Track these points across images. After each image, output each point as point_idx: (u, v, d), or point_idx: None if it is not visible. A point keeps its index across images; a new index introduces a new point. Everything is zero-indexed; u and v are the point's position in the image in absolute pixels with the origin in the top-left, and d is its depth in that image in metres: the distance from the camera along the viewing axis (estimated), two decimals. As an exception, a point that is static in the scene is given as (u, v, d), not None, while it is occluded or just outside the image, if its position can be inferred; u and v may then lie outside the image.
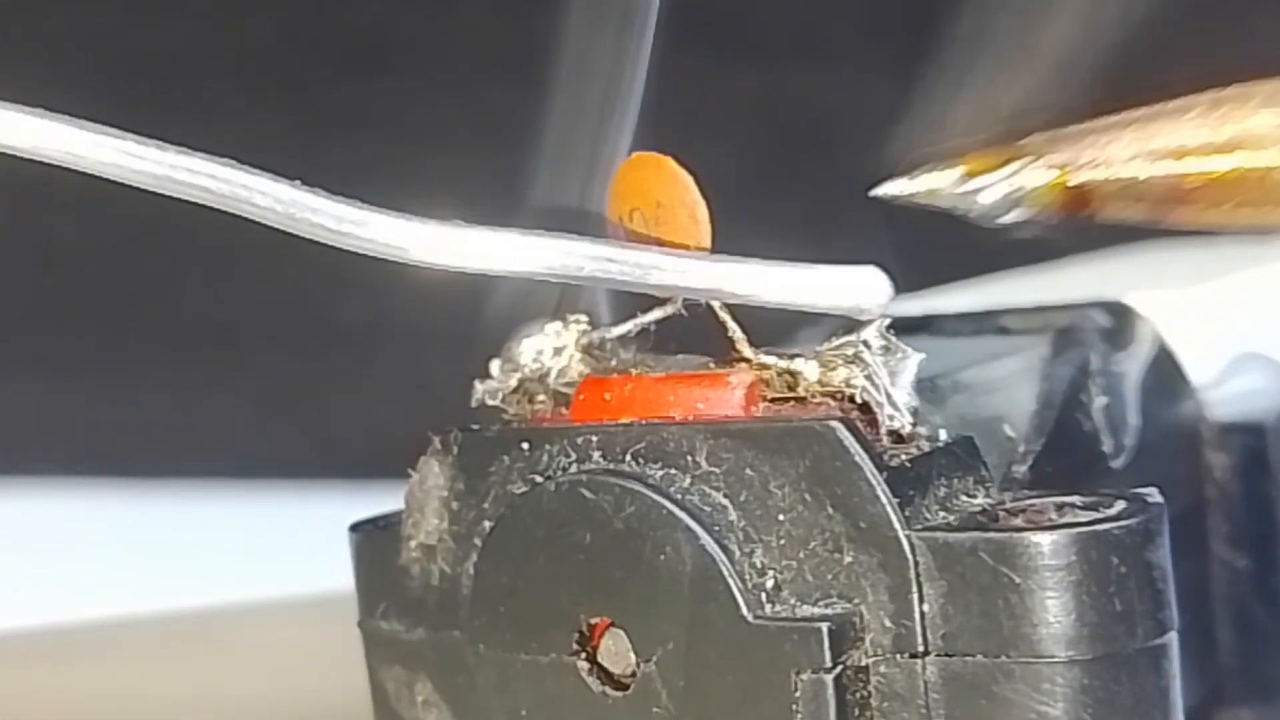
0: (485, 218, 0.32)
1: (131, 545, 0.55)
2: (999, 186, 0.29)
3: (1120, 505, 0.27)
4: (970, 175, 0.29)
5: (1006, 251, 0.43)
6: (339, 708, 0.34)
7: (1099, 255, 0.43)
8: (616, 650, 0.29)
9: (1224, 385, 0.37)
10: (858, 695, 0.27)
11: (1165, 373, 0.36)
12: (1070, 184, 0.29)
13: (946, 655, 0.27)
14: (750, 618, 0.27)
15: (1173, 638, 0.27)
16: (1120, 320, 0.36)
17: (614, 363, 0.32)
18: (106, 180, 0.29)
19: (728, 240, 0.31)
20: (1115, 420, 0.33)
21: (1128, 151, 0.28)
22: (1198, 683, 0.36)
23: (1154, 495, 0.28)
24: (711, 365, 0.30)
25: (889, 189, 0.30)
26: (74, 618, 0.47)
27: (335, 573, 0.34)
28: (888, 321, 0.29)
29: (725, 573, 0.28)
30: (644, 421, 0.29)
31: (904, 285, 0.41)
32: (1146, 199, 0.28)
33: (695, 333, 0.31)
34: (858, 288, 0.28)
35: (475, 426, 0.32)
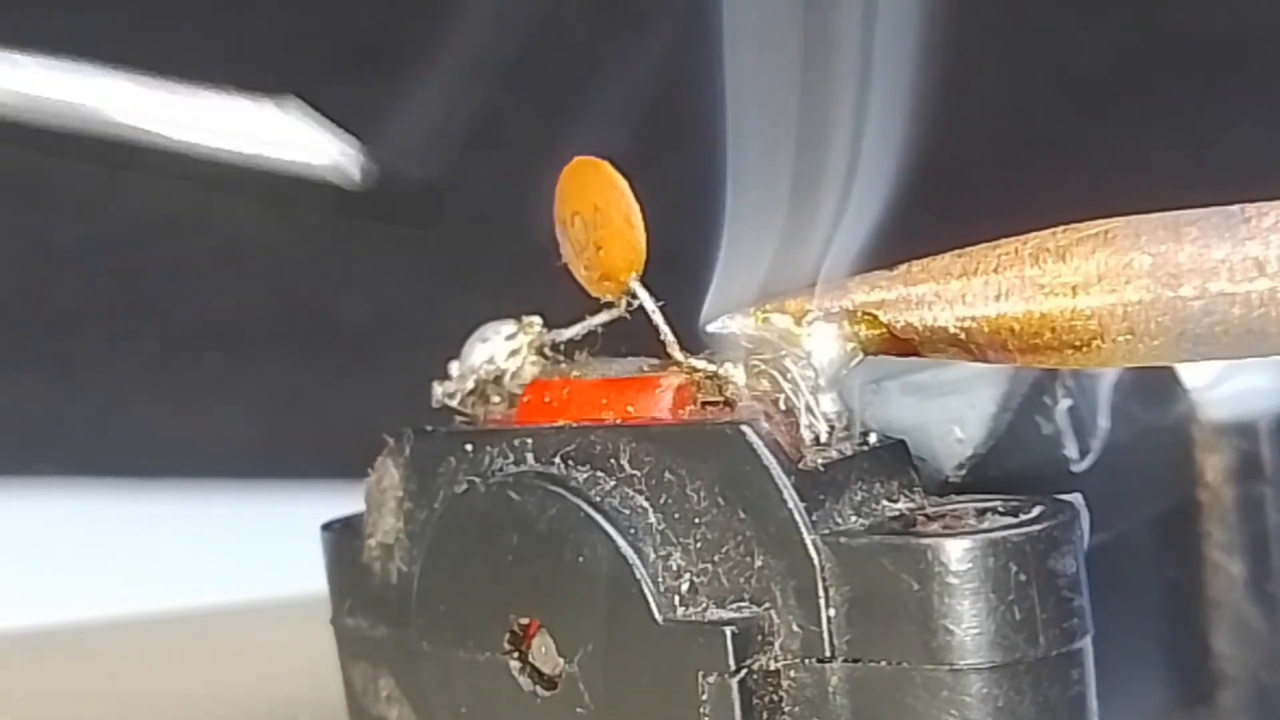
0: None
1: (131, 545, 0.56)
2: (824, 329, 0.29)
3: (1037, 511, 0.27)
4: (797, 317, 0.29)
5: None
6: (338, 707, 0.35)
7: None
8: (547, 650, 0.29)
9: (1221, 385, 0.37)
10: (767, 699, 0.27)
11: (1155, 373, 0.36)
12: (893, 328, 0.29)
13: (853, 661, 0.27)
14: (660, 620, 0.28)
15: (1085, 646, 0.27)
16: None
17: (564, 365, 0.32)
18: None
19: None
20: (1080, 423, 0.33)
21: (946, 297, 0.28)
22: (1188, 687, 0.36)
23: (1072, 502, 0.27)
24: (645, 368, 0.30)
25: (724, 325, 0.30)
26: (74, 618, 0.47)
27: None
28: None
29: (639, 575, 0.28)
30: (575, 424, 0.30)
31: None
32: (965, 343, 0.28)
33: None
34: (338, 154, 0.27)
35: (428, 428, 0.32)
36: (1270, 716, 0.36)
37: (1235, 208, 0.27)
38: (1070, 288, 0.27)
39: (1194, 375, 0.36)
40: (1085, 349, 0.27)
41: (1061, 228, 0.28)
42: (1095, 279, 0.27)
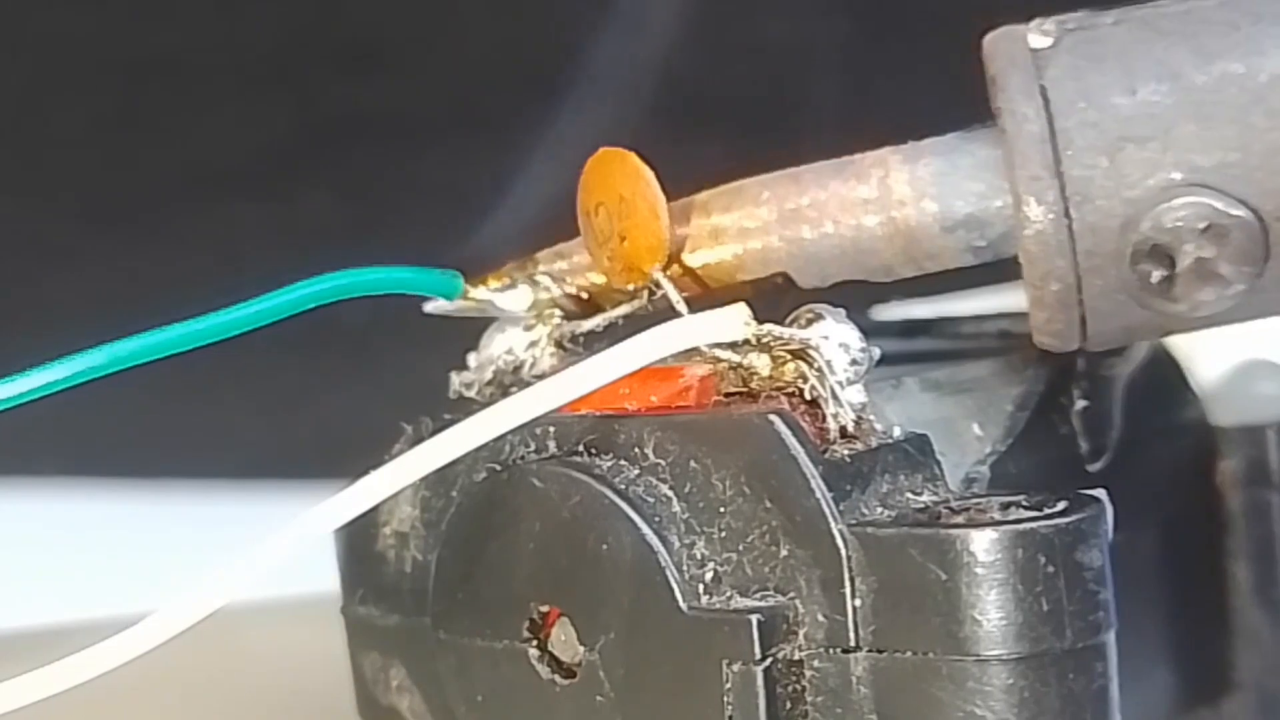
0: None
1: (131, 545, 0.56)
2: (519, 294, 0.33)
3: (1061, 505, 0.27)
4: (494, 288, 0.33)
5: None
6: (339, 707, 0.35)
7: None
8: (566, 638, 0.29)
9: (1230, 391, 0.37)
10: (790, 689, 0.27)
11: (1165, 377, 0.36)
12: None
13: (877, 651, 0.27)
14: (685, 608, 0.28)
15: (1109, 639, 0.27)
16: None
17: (584, 356, 0.32)
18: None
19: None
20: (1096, 423, 0.33)
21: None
22: (1192, 692, 0.36)
23: (1099, 497, 0.27)
24: (669, 360, 0.30)
25: (434, 307, 0.33)
26: (74, 618, 0.47)
27: (335, 572, 0.35)
28: (841, 316, 0.29)
29: (663, 564, 0.28)
30: (598, 413, 0.30)
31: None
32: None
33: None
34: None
35: (446, 416, 0.32)
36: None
37: (845, 159, 0.31)
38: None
39: (1203, 381, 0.36)
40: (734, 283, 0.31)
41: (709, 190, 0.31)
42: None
